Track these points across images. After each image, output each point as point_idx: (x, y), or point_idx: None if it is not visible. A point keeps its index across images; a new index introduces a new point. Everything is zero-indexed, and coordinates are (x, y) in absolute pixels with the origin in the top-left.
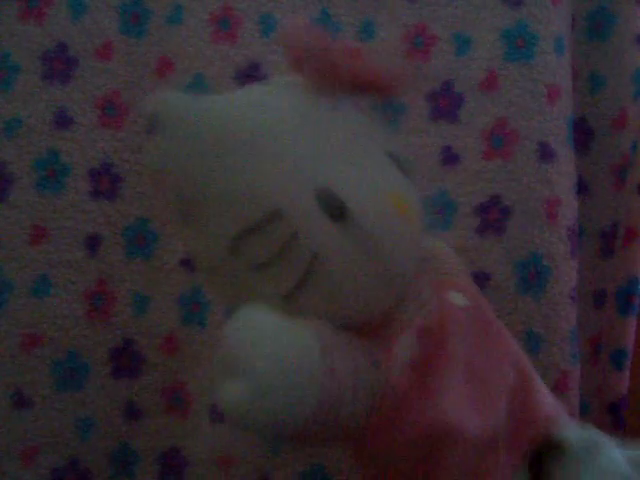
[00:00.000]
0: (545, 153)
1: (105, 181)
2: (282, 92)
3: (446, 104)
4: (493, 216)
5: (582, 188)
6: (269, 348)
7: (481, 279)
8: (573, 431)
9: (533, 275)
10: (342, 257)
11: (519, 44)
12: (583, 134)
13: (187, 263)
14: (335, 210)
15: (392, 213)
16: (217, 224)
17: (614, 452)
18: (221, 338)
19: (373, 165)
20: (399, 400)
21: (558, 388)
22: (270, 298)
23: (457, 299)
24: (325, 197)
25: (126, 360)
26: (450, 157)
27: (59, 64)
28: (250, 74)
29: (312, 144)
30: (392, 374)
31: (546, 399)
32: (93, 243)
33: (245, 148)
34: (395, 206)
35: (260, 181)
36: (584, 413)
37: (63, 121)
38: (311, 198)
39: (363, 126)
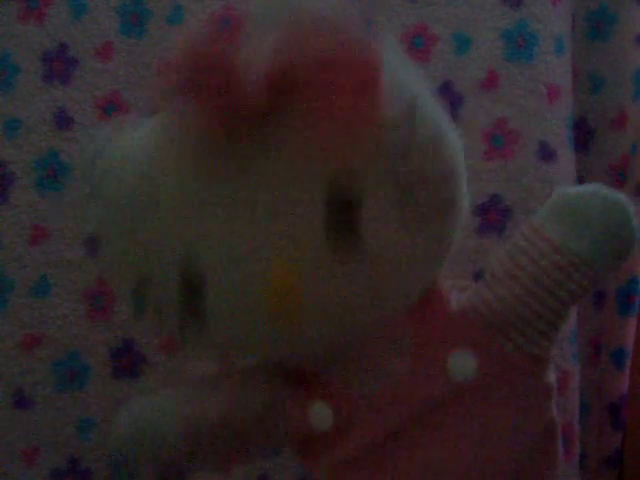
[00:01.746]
0: (545, 153)
1: None
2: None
3: (446, 104)
4: (493, 216)
5: None
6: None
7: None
8: None
9: None
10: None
11: (519, 44)
12: (583, 134)
13: None
14: (193, 283)
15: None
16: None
17: None
18: None
19: (276, 237)
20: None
21: (558, 388)
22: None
23: (458, 365)
24: (180, 271)
25: (126, 360)
26: None
27: (59, 64)
28: None
29: (189, 204)
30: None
31: None
32: (93, 243)
33: (128, 217)
34: (273, 300)
35: (133, 249)
36: (584, 413)
37: (63, 121)
38: (176, 266)
39: (300, 157)
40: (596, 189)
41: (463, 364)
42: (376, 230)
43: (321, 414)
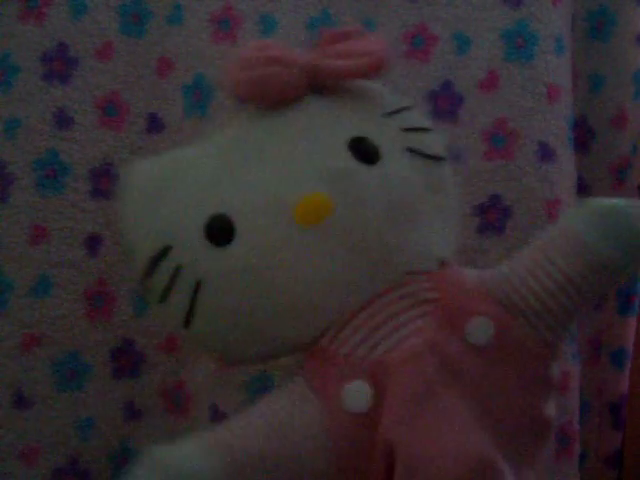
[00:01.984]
0: (545, 153)
1: (105, 181)
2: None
3: (446, 104)
4: (493, 216)
5: (582, 188)
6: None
7: None
8: None
9: None
10: (226, 282)
11: (519, 44)
12: (583, 134)
13: None
14: (220, 236)
15: (287, 229)
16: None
17: None
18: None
19: (296, 169)
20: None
21: (558, 388)
22: (177, 331)
23: (476, 332)
24: (211, 224)
25: (126, 360)
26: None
27: (59, 64)
28: None
29: (218, 173)
30: (338, 424)
31: None
32: (93, 243)
33: (150, 198)
34: (298, 216)
35: (154, 223)
36: (584, 413)
37: (63, 121)
38: (199, 228)
39: (321, 119)
40: (630, 202)
41: (482, 328)
42: (392, 162)
43: (358, 393)
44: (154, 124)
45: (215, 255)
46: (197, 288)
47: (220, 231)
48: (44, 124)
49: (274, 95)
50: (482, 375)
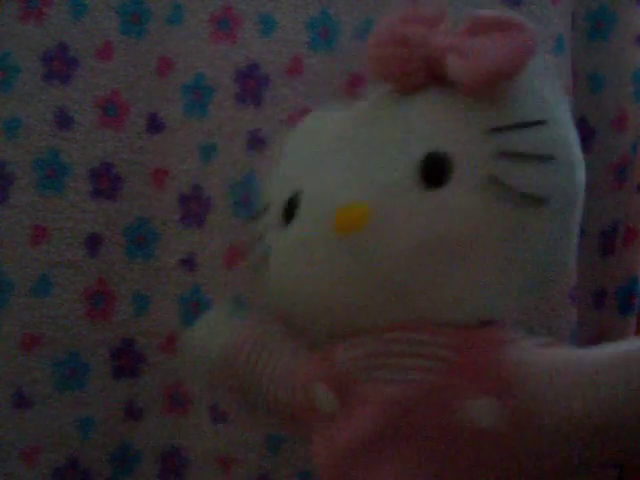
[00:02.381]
0: None
1: (105, 181)
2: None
3: None
4: None
5: None
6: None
7: None
8: None
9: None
10: (280, 260)
11: None
12: (583, 134)
13: (187, 263)
14: (289, 214)
15: (324, 231)
16: None
17: None
18: None
19: (368, 171)
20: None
21: None
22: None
23: (480, 410)
24: (288, 200)
25: (126, 360)
26: None
27: (59, 64)
28: (250, 74)
29: (319, 150)
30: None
31: None
32: (93, 243)
33: (285, 155)
34: (336, 220)
35: (274, 179)
36: None
37: (63, 121)
38: (283, 201)
39: (411, 123)
40: None
41: (484, 410)
42: (459, 190)
43: (325, 396)
44: (154, 124)
45: (280, 230)
46: (266, 254)
47: (289, 209)
48: (44, 124)
49: (396, 77)
50: (465, 457)
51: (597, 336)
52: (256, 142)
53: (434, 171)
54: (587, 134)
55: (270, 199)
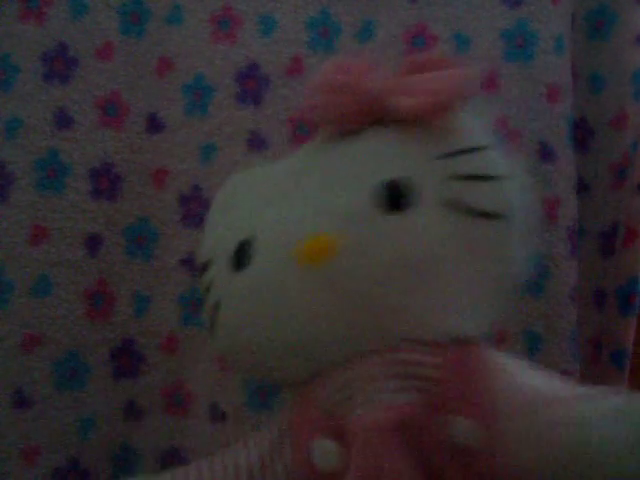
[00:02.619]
0: (545, 153)
1: (105, 181)
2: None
3: None
4: None
5: (582, 188)
6: None
7: None
8: None
9: (533, 275)
10: (238, 307)
11: (519, 44)
12: (583, 134)
13: (187, 263)
14: (240, 261)
15: (290, 266)
16: None
17: None
18: None
19: (325, 203)
20: None
21: None
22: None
23: (458, 428)
24: (238, 247)
25: (126, 360)
26: None
27: (59, 64)
28: (250, 74)
29: (264, 198)
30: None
31: None
32: (93, 243)
33: (220, 211)
34: (301, 251)
35: (212, 234)
36: None
37: (63, 121)
38: (229, 251)
39: (364, 155)
40: None
41: (465, 430)
42: (421, 213)
43: (326, 451)
44: (154, 124)
45: (231, 278)
46: (217, 306)
47: (241, 256)
48: (44, 124)
49: (339, 122)
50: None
51: (597, 336)
52: (256, 142)
53: (392, 197)
54: (587, 134)
55: (212, 254)
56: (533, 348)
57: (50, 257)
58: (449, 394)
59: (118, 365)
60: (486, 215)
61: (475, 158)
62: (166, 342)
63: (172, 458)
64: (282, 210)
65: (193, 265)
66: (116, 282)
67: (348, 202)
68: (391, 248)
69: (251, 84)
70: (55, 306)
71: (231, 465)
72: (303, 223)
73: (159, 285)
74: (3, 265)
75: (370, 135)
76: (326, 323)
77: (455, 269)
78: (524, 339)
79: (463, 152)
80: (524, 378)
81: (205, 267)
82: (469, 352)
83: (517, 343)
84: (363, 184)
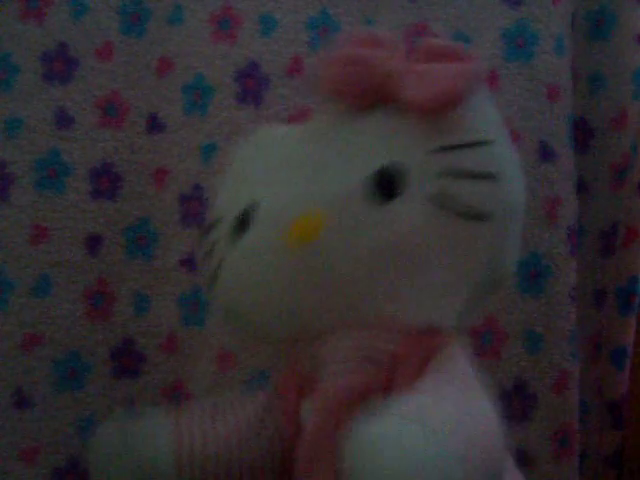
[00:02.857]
0: (545, 153)
1: (105, 181)
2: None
3: None
4: None
5: (582, 188)
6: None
7: None
8: None
9: (533, 274)
10: (233, 270)
11: (519, 44)
12: (583, 134)
13: (187, 263)
14: (240, 227)
15: (279, 242)
16: None
17: None
18: None
19: (320, 184)
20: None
21: (558, 388)
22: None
23: None
24: (242, 212)
25: (126, 360)
26: None
27: (59, 64)
28: (250, 74)
29: (271, 166)
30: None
31: None
32: (93, 243)
33: (234, 171)
34: (289, 231)
35: (224, 194)
36: (584, 413)
37: (63, 121)
38: (235, 215)
39: (364, 138)
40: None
41: None
42: (408, 204)
43: (308, 411)
44: (154, 124)
45: (233, 241)
46: (219, 265)
47: (244, 221)
48: (44, 124)
49: (349, 97)
50: None
51: (597, 336)
52: None
53: (385, 185)
54: (587, 134)
55: (220, 213)
56: (533, 348)
57: (50, 257)
58: (397, 377)
59: (118, 365)
60: (471, 216)
61: (472, 154)
62: (166, 342)
63: None
64: (281, 184)
65: (193, 265)
66: (116, 282)
67: (339, 186)
68: (372, 237)
69: (251, 84)
70: (55, 306)
71: (231, 415)
72: (297, 201)
73: (159, 285)
74: (3, 265)
75: (375, 117)
76: (305, 297)
77: (432, 262)
78: (524, 339)
79: (459, 147)
80: (424, 385)
81: (213, 225)
82: (424, 343)
83: (517, 343)
84: (356, 170)
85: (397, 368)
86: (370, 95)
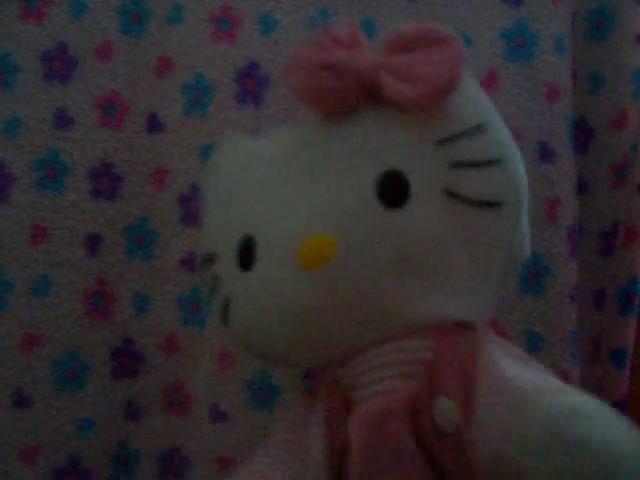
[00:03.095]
0: (545, 153)
1: (105, 181)
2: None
3: None
4: None
5: (582, 188)
6: None
7: None
8: None
9: (533, 275)
10: (247, 305)
11: (519, 44)
12: (583, 134)
13: (187, 263)
14: (245, 259)
15: (292, 267)
16: None
17: None
18: None
19: (323, 199)
20: None
21: None
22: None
23: (439, 410)
24: (241, 245)
25: (126, 360)
26: None
27: (59, 64)
28: (250, 74)
29: (263, 186)
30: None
31: None
32: (93, 243)
33: (211, 199)
34: (301, 256)
35: (209, 224)
36: None
37: (63, 121)
38: (233, 247)
39: (359, 144)
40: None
41: (446, 412)
42: (420, 206)
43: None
44: (154, 124)
45: (239, 277)
46: (227, 302)
47: (245, 254)
48: (44, 124)
49: (326, 104)
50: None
51: (597, 336)
52: None
53: (391, 191)
54: (587, 134)
55: (215, 246)
56: (533, 348)
57: (50, 257)
58: (437, 376)
59: (118, 365)
60: (483, 204)
61: (472, 142)
62: (166, 342)
63: (172, 458)
64: (280, 206)
65: (193, 265)
66: (116, 282)
67: (345, 199)
68: (389, 247)
69: (251, 84)
70: (55, 306)
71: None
72: (301, 223)
73: (159, 285)
74: (3, 265)
75: (363, 118)
76: (330, 320)
77: (454, 258)
78: (524, 339)
79: (457, 137)
80: (514, 369)
81: (209, 259)
82: (462, 336)
83: (517, 343)
84: (358, 178)
85: (437, 375)
86: (348, 99)
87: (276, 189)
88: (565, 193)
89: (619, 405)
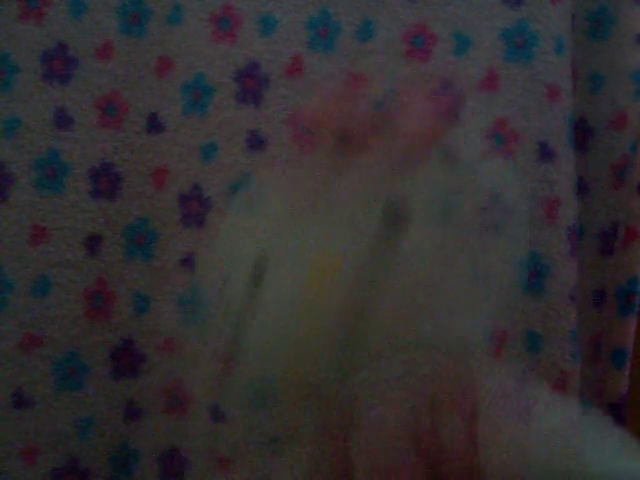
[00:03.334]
0: (545, 153)
1: (105, 181)
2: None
3: (445, 104)
4: None
5: (582, 188)
6: None
7: None
8: None
9: (533, 275)
10: (260, 324)
11: (519, 44)
12: (583, 134)
13: (187, 263)
14: (256, 277)
15: (300, 292)
16: None
17: None
18: None
19: (335, 232)
20: None
21: (558, 388)
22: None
23: (443, 422)
24: (255, 266)
25: (126, 360)
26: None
27: (59, 64)
28: (250, 74)
29: (280, 216)
30: None
31: None
32: (93, 243)
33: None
34: (307, 283)
35: (220, 248)
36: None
37: (63, 121)
38: (248, 267)
39: (367, 181)
40: None
41: (445, 424)
42: (421, 238)
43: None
44: (154, 124)
45: (252, 296)
46: (241, 319)
47: (258, 274)
48: (44, 124)
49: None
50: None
51: (597, 336)
52: (256, 142)
53: (394, 217)
54: (587, 134)
55: (228, 267)
56: (533, 348)
57: (50, 257)
58: (441, 391)
59: (118, 365)
60: (482, 226)
61: (466, 171)
62: (166, 342)
63: (172, 458)
64: (293, 234)
65: (193, 265)
66: (116, 282)
67: (353, 229)
68: (395, 273)
69: (251, 84)
70: (55, 306)
71: None
72: (311, 251)
73: (159, 285)
74: (3, 265)
75: (365, 155)
76: (331, 338)
77: (459, 279)
78: (524, 339)
79: (454, 166)
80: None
81: (223, 283)
82: (465, 354)
83: (517, 343)
84: (364, 209)
85: (439, 392)
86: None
87: (290, 219)
88: (565, 193)
89: (619, 405)
